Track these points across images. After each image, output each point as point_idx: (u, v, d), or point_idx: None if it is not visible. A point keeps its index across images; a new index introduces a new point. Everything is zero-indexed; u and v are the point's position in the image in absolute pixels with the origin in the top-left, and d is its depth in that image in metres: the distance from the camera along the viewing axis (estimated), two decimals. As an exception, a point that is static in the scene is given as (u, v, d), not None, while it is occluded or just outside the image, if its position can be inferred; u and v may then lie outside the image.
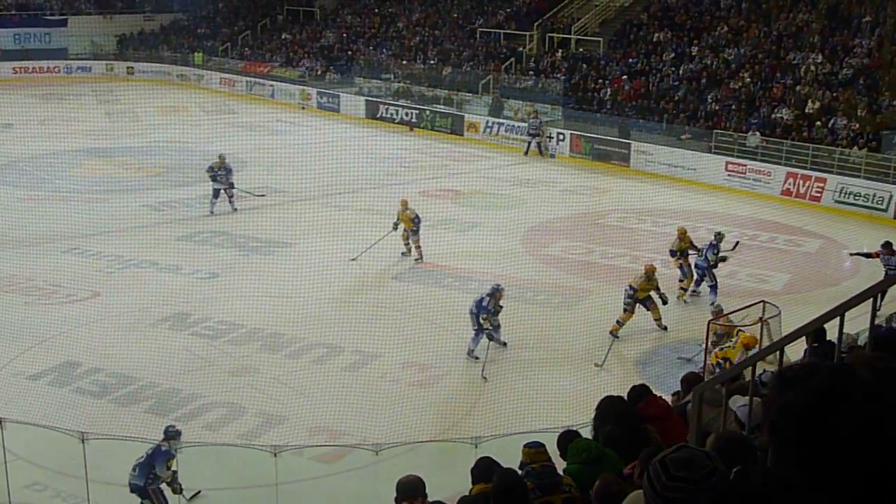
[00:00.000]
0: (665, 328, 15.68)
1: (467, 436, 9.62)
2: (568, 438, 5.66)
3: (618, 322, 15.40)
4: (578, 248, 20.58)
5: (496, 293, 14.77)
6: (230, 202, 22.80)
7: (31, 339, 15.10)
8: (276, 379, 13.92)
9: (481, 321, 14.58)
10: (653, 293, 15.56)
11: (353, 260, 18.65)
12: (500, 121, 33.02)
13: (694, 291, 17.43)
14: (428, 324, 15.85)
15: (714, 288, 16.89)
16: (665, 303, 15.69)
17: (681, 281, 17.35)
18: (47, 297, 17.25)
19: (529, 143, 30.81)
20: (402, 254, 19.38)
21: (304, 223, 21.62)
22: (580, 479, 5.26)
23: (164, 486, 9.92)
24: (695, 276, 17.32)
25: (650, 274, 15.54)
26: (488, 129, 33.11)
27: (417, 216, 18.97)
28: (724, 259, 17.05)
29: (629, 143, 28.81)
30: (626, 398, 5.94)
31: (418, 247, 19.08)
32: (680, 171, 27.15)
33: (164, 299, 17.01)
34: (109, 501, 10.24)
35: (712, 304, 15.88)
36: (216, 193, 22.61)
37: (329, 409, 12.92)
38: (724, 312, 14.12)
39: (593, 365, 14.32)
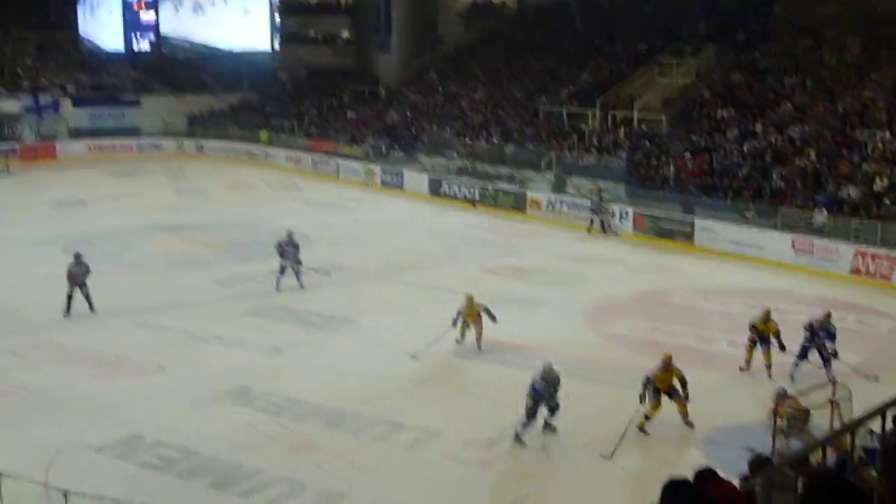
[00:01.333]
0: (691, 425, 14.77)
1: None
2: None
3: (645, 416, 14.62)
4: (643, 327, 20.36)
5: (546, 372, 14.37)
6: (297, 279, 22.96)
7: (98, 412, 15.31)
8: (338, 456, 13.86)
9: (537, 405, 14.23)
10: (676, 383, 14.74)
11: (413, 358, 17.73)
12: (563, 198, 33.09)
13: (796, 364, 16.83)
14: (490, 402, 15.74)
15: (796, 365, 16.72)
16: (686, 399, 14.76)
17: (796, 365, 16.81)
18: (114, 370, 17.51)
19: (592, 220, 30.77)
20: (457, 341, 18.43)
21: (367, 299, 21.76)
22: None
23: None
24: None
25: (667, 363, 14.74)
26: (551, 206, 33.18)
27: (487, 309, 18.29)
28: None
29: (693, 221, 28.62)
30: (691, 481, 5.79)
31: (480, 336, 18.33)
32: (745, 249, 26.84)
33: (227, 374, 17.14)
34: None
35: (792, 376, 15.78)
36: (283, 269, 22.79)
37: (391, 488, 12.83)
38: (789, 394, 13.80)
39: (600, 455, 13.71)
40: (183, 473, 13.28)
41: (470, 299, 18.33)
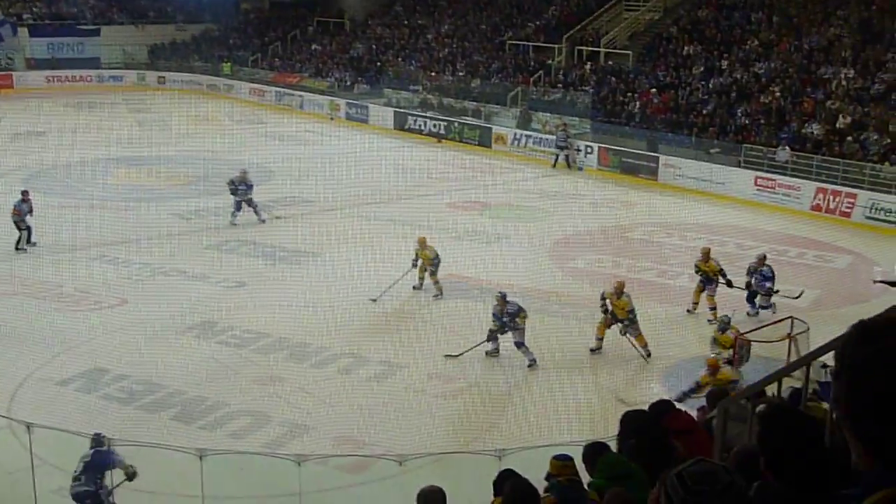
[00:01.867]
0: (649, 355, 15.05)
1: (491, 448, 9.60)
2: (596, 451, 5.61)
3: (597, 338, 15.30)
4: (605, 262, 20.50)
5: (498, 300, 14.93)
6: (256, 214, 22.84)
7: (60, 346, 15.25)
8: (302, 388, 13.95)
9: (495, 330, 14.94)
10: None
11: (373, 301, 17.53)
12: (528, 133, 33.02)
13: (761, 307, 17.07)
14: (454, 335, 15.86)
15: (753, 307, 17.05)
16: (621, 330, 15.14)
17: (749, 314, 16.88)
18: (76, 303, 17.40)
19: (557, 155, 30.78)
20: (414, 287, 18.19)
21: (331, 233, 21.71)
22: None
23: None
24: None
25: (619, 291, 15.07)
26: (516, 142, 33.12)
27: (437, 256, 17.95)
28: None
29: (657, 157, 28.72)
30: (647, 412, 5.90)
31: (437, 282, 18.01)
32: (708, 186, 27.02)
33: (191, 307, 17.10)
34: (134, 507, 10.29)
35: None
36: (238, 206, 22.67)
37: (354, 420, 12.94)
38: (731, 324, 14.19)
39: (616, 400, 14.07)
40: (147, 406, 13.30)
41: (422, 242, 18.05)
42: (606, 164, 30.00)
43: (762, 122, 28.06)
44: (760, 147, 26.95)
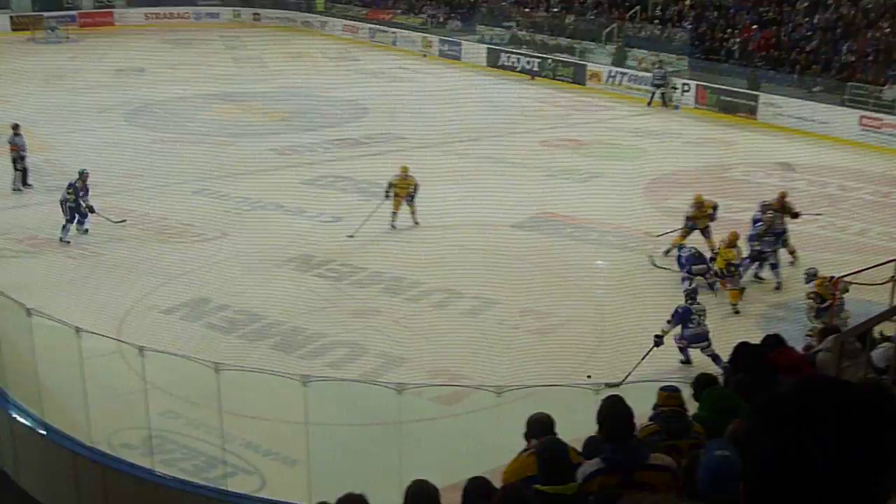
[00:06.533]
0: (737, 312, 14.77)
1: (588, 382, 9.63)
2: (704, 383, 5.61)
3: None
4: (702, 201, 20.15)
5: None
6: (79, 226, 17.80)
7: (165, 276, 15.74)
8: (397, 322, 14.16)
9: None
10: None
11: (350, 237, 17.50)
12: (624, 70, 32.45)
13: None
14: (547, 272, 15.88)
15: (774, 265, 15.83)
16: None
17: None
18: (179, 235, 17.89)
19: (653, 93, 30.22)
20: (392, 227, 18.14)
21: (424, 170, 21.78)
22: (711, 427, 5.23)
23: None
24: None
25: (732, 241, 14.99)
26: (611, 79, 32.61)
27: (417, 185, 18.28)
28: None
29: (757, 95, 27.98)
30: (758, 346, 5.87)
31: (413, 212, 18.29)
32: (810, 125, 26.25)
33: (289, 241, 17.42)
34: (240, 431, 10.62)
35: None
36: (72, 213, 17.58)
37: (448, 353, 13.11)
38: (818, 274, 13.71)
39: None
40: (248, 336, 13.69)
41: (405, 171, 18.34)
42: (703, 102, 29.35)
43: (869, 59, 27.06)
44: (866, 85, 26.04)
